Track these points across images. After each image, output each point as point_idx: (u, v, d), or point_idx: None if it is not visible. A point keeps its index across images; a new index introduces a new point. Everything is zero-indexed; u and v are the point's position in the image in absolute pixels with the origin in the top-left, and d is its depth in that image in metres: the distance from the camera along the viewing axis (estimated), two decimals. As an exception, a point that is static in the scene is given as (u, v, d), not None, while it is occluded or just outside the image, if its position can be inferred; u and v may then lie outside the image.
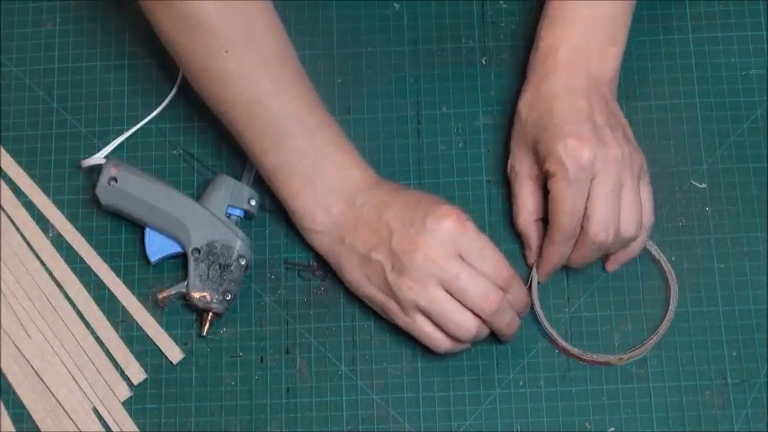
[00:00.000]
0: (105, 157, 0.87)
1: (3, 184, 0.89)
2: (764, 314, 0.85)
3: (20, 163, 0.89)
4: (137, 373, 0.84)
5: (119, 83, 0.91)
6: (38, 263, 0.87)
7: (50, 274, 0.87)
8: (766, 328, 0.85)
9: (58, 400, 0.84)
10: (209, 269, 0.83)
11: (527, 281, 0.84)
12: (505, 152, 0.88)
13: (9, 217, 0.88)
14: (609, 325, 0.85)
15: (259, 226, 0.87)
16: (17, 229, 0.88)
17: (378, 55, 0.92)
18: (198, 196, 0.86)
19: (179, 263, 0.86)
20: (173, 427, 0.83)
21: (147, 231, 0.85)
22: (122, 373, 0.85)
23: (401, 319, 0.80)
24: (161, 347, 0.85)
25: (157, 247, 0.84)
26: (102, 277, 0.86)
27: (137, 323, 0.85)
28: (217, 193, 0.85)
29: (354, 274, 0.81)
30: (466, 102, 0.90)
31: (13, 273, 0.86)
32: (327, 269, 0.86)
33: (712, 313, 0.85)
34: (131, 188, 0.84)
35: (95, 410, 0.84)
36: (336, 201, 0.81)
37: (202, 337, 0.85)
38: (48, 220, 0.87)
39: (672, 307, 0.84)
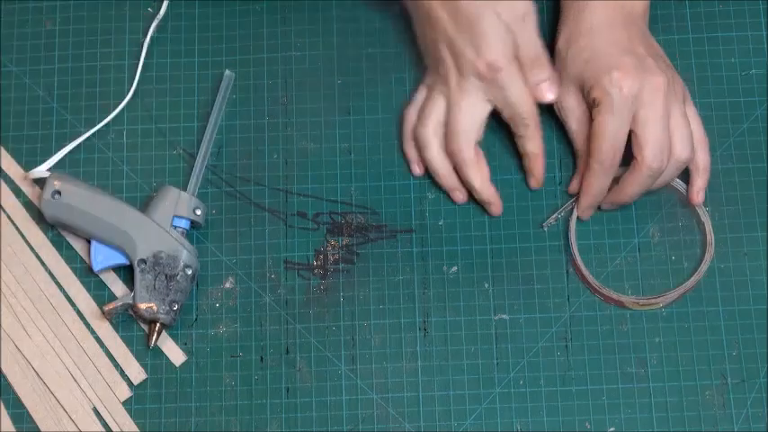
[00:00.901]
0: (48, 171, 0.87)
1: (3, 184, 0.89)
2: (764, 314, 0.85)
3: (20, 163, 0.89)
4: (137, 374, 0.84)
5: (119, 83, 0.91)
6: (38, 263, 0.87)
7: (50, 274, 0.87)
8: (766, 328, 0.85)
9: (58, 400, 0.84)
10: (155, 280, 0.83)
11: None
12: (505, 152, 0.88)
13: (9, 217, 0.88)
14: (609, 325, 0.85)
15: (258, 225, 0.87)
16: (17, 229, 0.88)
17: (378, 55, 0.92)
18: (143, 207, 0.86)
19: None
20: (173, 427, 0.83)
21: (93, 242, 0.85)
22: (122, 373, 0.85)
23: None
24: (164, 350, 0.85)
25: (103, 257, 0.85)
26: (102, 278, 0.86)
27: (138, 325, 0.86)
28: (162, 204, 0.85)
29: None
30: (466, 102, 0.90)
31: (13, 273, 0.86)
32: (327, 269, 0.86)
33: (712, 313, 0.85)
34: (76, 201, 0.84)
35: (95, 410, 0.84)
36: None
37: (149, 348, 0.85)
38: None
39: (707, 259, 0.85)
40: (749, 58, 0.91)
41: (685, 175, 0.86)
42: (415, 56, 0.91)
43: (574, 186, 0.87)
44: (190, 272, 0.84)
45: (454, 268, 0.86)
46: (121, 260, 0.85)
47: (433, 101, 0.84)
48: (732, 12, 0.92)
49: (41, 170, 0.87)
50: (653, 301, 0.84)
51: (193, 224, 0.86)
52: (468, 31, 0.80)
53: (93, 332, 0.85)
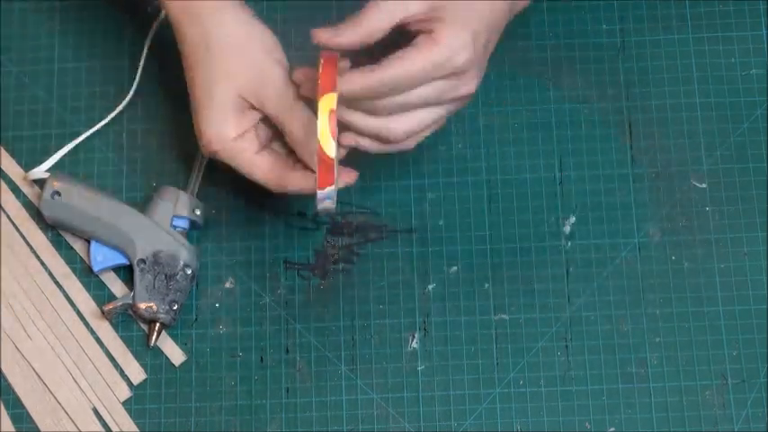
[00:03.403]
0: (48, 171, 0.87)
1: (3, 184, 0.89)
2: (764, 314, 0.85)
3: (20, 163, 0.89)
4: (136, 374, 0.84)
5: (119, 83, 0.91)
6: (38, 263, 0.87)
7: (50, 274, 0.87)
8: (766, 328, 0.85)
9: (57, 400, 0.84)
10: (154, 279, 0.83)
11: None
12: (504, 153, 0.88)
13: (9, 217, 0.88)
14: (609, 325, 0.85)
15: (258, 226, 0.87)
16: (17, 229, 0.88)
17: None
18: (142, 208, 0.86)
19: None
20: (173, 427, 0.83)
21: (92, 242, 0.85)
22: (122, 373, 0.84)
23: None
24: (164, 350, 0.85)
25: (102, 257, 0.85)
26: (102, 278, 0.86)
27: (138, 325, 0.85)
28: (161, 204, 0.85)
29: None
30: (466, 102, 0.90)
31: (13, 273, 0.86)
32: (327, 269, 0.86)
33: (712, 313, 0.85)
34: (75, 202, 0.84)
35: (95, 410, 0.84)
36: None
37: (149, 348, 0.85)
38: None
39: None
40: (749, 58, 0.91)
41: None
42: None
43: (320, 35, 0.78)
44: (189, 271, 0.84)
45: (454, 268, 0.86)
46: (121, 260, 0.85)
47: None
48: (732, 12, 0.92)
49: (40, 171, 0.87)
50: None
51: (193, 224, 0.86)
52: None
53: (93, 332, 0.85)
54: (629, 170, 0.88)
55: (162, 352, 0.85)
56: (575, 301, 0.85)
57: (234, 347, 0.85)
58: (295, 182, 0.80)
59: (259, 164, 0.81)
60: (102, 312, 0.84)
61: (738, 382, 0.83)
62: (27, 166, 0.89)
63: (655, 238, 0.87)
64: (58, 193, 0.84)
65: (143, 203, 0.87)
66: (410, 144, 0.81)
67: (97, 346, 0.85)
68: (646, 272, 0.86)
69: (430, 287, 0.86)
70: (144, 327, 0.85)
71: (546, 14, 0.92)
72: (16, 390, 0.84)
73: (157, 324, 0.84)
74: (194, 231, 0.87)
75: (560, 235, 0.87)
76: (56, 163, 0.89)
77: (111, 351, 0.85)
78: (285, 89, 0.80)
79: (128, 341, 0.85)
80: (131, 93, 0.90)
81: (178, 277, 0.83)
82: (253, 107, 0.80)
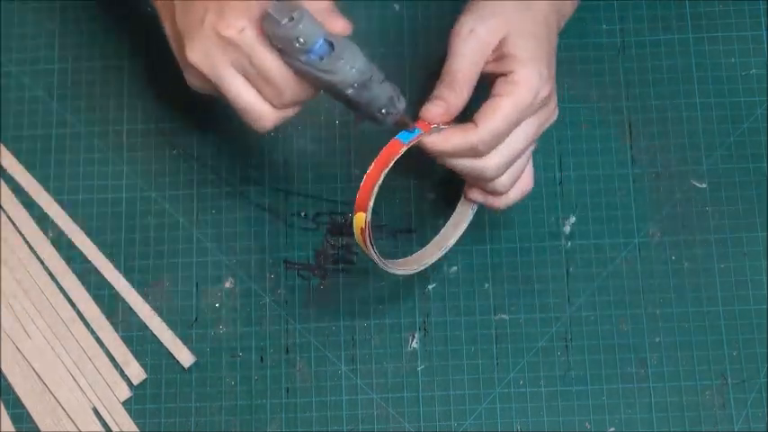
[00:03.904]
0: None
1: (3, 184, 0.89)
2: (764, 314, 0.85)
3: (20, 163, 0.89)
4: (137, 373, 0.84)
5: (119, 83, 0.91)
6: (38, 263, 0.87)
7: (50, 274, 0.87)
8: (766, 328, 0.85)
9: (57, 400, 0.84)
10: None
11: None
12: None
13: (9, 217, 0.88)
14: (609, 325, 0.85)
15: (259, 226, 0.87)
16: (17, 229, 0.88)
17: (378, 55, 0.92)
18: None
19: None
20: (173, 427, 0.83)
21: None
22: (122, 373, 0.84)
23: None
24: (171, 351, 0.85)
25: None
26: (109, 279, 0.86)
27: (138, 325, 0.85)
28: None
29: None
30: (466, 102, 0.90)
31: (13, 273, 0.86)
32: (327, 269, 0.86)
33: (712, 313, 0.85)
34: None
35: (95, 410, 0.84)
36: None
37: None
38: (49, 220, 0.87)
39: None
40: (749, 58, 0.91)
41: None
42: (415, 56, 0.91)
43: (432, 113, 0.76)
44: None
45: (454, 268, 0.86)
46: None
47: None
48: (732, 12, 0.92)
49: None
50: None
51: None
52: None
53: (93, 332, 0.85)
54: (629, 170, 0.88)
55: (164, 353, 0.85)
56: (575, 301, 0.86)
57: (234, 347, 0.85)
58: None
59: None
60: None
61: (738, 382, 0.84)
62: (27, 167, 0.89)
63: (655, 238, 0.87)
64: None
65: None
66: (527, 185, 0.80)
67: (97, 346, 0.85)
68: (646, 272, 0.86)
69: (430, 287, 0.86)
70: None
71: (546, 14, 0.92)
72: (16, 390, 0.84)
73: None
74: (195, 230, 0.87)
75: (560, 235, 0.87)
76: (54, 164, 0.89)
77: (111, 351, 0.85)
78: None
79: (128, 341, 0.85)
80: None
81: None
82: None
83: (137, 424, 0.83)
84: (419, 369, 0.84)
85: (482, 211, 0.87)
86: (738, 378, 0.84)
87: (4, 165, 0.89)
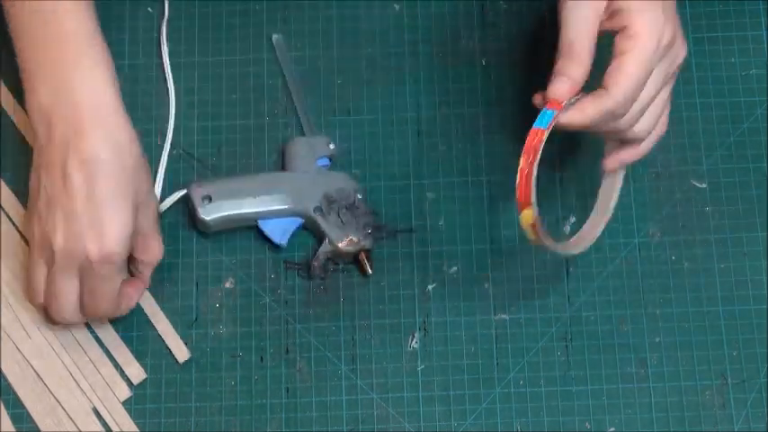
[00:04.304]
0: (184, 187, 0.86)
1: (3, 184, 0.89)
2: (764, 314, 0.85)
3: (20, 163, 0.89)
4: (137, 373, 0.84)
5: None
6: (38, 263, 0.87)
7: (50, 274, 0.87)
8: (766, 328, 0.85)
9: (57, 400, 0.84)
10: (339, 216, 0.84)
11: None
12: (505, 152, 0.88)
13: (9, 217, 0.88)
14: (609, 325, 0.85)
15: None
16: (17, 229, 0.88)
17: (378, 55, 0.92)
18: (281, 169, 0.87)
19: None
20: (173, 427, 0.83)
21: (261, 224, 0.85)
22: (122, 372, 0.84)
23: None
24: (169, 345, 0.85)
25: (281, 230, 0.85)
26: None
27: (137, 323, 0.85)
28: (300, 155, 0.86)
29: None
30: (466, 102, 0.90)
31: (13, 273, 0.86)
32: (327, 269, 0.86)
33: (712, 313, 0.85)
34: (226, 197, 0.84)
35: (95, 410, 0.84)
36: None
37: (367, 276, 0.85)
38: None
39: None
40: (749, 58, 0.91)
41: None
42: (415, 56, 0.91)
43: (560, 91, 0.76)
44: (360, 195, 0.85)
45: (454, 268, 0.86)
46: (296, 222, 0.85)
47: (37, 275, 0.80)
48: (732, 12, 0.92)
49: (174, 198, 0.86)
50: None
51: (330, 159, 0.87)
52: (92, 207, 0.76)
53: (92, 332, 0.85)
54: (629, 170, 0.88)
55: (163, 350, 0.85)
56: (575, 301, 0.86)
57: (234, 347, 0.85)
58: None
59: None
60: (310, 271, 0.85)
61: (738, 382, 0.84)
62: (28, 167, 0.89)
63: (655, 238, 0.87)
64: (209, 198, 0.85)
65: (276, 166, 0.88)
66: (661, 129, 0.81)
67: (97, 346, 0.85)
68: (646, 272, 0.86)
69: (430, 287, 0.86)
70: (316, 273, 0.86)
71: (546, 15, 0.92)
72: (16, 390, 0.84)
73: (362, 253, 0.85)
74: (198, 232, 0.87)
75: (560, 235, 0.87)
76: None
77: (111, 351, 0.85)
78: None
79: (128, 341, 0.85)
80: (172, 98, 0.90)
81: (356, 203, 0.85)
82: None
83: (137, 424, 0.83)
84: (419, 369, 0.84)
85: (483, 212, 0.88)
86: (738, 378, 0.84)
87: (4, 165, 0.89)
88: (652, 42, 0.74)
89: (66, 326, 0.83)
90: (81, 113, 0.77)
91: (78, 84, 0.77)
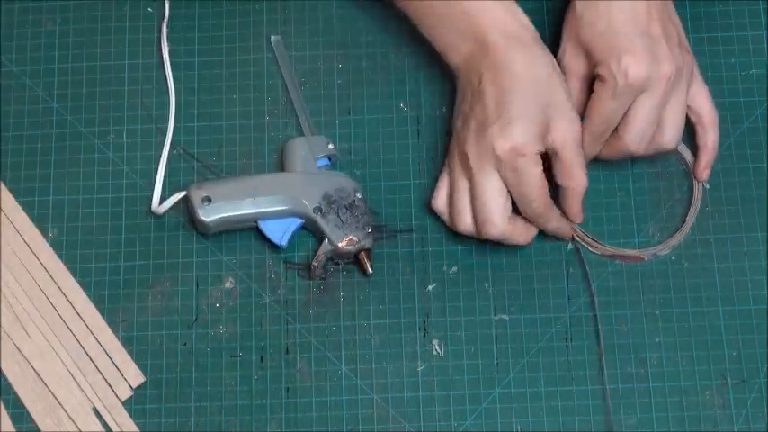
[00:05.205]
0: (183, 189, 0.86)
1: (2, 184, 0.89)
2: (764, 314, 0.85)
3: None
4: (135, 376, 0.84)
5: (119, 83, 0.91)
6: (38, 263, 0.87)
7: (50, 274, 0.86)
8: (766, 328, 0.85)
9: (57, 400, 0.84)
10: (338, 215, 0.84)
11: None
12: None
13: (8, 217, 0.88)
14: (609, 324, 0.85)
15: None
16: (17, 229, 0.87)
17: (378, 55, 0.92)
18: (281, 170, 0.87)
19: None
20: (173, 427, 0.83)
21: (261, 225, 0.85)
22: (122, 373, 0.84)
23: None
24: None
25: (282, 231, 0.85)
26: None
27: (137, 324, 0.85)
28: (300, 155, 0.86)
29: None
30: (466, 102, 0.90)
31: (13, 273, 0.86)
32: (327, 269, 0.86)
33: (712, 313, 0.85)
34: (226, 197, 0.84)
35: (95, 410, 0.84)
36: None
37: (367, 276, 0.85)
38: (49, 220, 0.87)
39: (695, 202, 0.87)
40: (749, 58, 0.91)
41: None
42: (415, 56, 0.91)
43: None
44: (360, 195, 0.85)
45: (454, 268, 0.86)
46: (297, 222, 0.85)
47: (459, 193, 0.83)
48: (732, 12, 0.92)
49: (172, 200, 0.86)
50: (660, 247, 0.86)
51: (331, 160, 0.87)
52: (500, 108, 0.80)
53: (92, 332, 0.85)
54: (629, 170, 0.88)
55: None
56: (575, 301, 0.86)
57: (234, 347, 0.85)
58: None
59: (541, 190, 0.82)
60: (310, 271, 0.85)
61: (738, 382, 0.83)
62: (27, 167, 0.89)
63: (655, 238, 0.87)
64: (208, 199, 0.84)
65: (276, 166, 0.88)
66: (710, 117, 0.86)
67: (98, 346, 0.85)
68: (645, 272, 0.86)
69: (430, 287, 0.86)
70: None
71: (546, 15, 0.92)
72: (16, 390, 0.84)
73: (363, 253, 0.85)
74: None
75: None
76: (54, 164, 0.89)
77: (110, 351, 0.85)
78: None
79: (128, 341, 0.85)
80: (172, 96, 0.90)
81: (356, 203, 0.85)
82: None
83: (137, 424, 0.83)
84: (419, 369, 0.84)
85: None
86: (738, 378, 0.84)
87: (4, 165, 0.89)
88: (613, 83, 0.80)
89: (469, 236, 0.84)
90: (494, 39, 0.81)
91: (489, 21, 0.82)
